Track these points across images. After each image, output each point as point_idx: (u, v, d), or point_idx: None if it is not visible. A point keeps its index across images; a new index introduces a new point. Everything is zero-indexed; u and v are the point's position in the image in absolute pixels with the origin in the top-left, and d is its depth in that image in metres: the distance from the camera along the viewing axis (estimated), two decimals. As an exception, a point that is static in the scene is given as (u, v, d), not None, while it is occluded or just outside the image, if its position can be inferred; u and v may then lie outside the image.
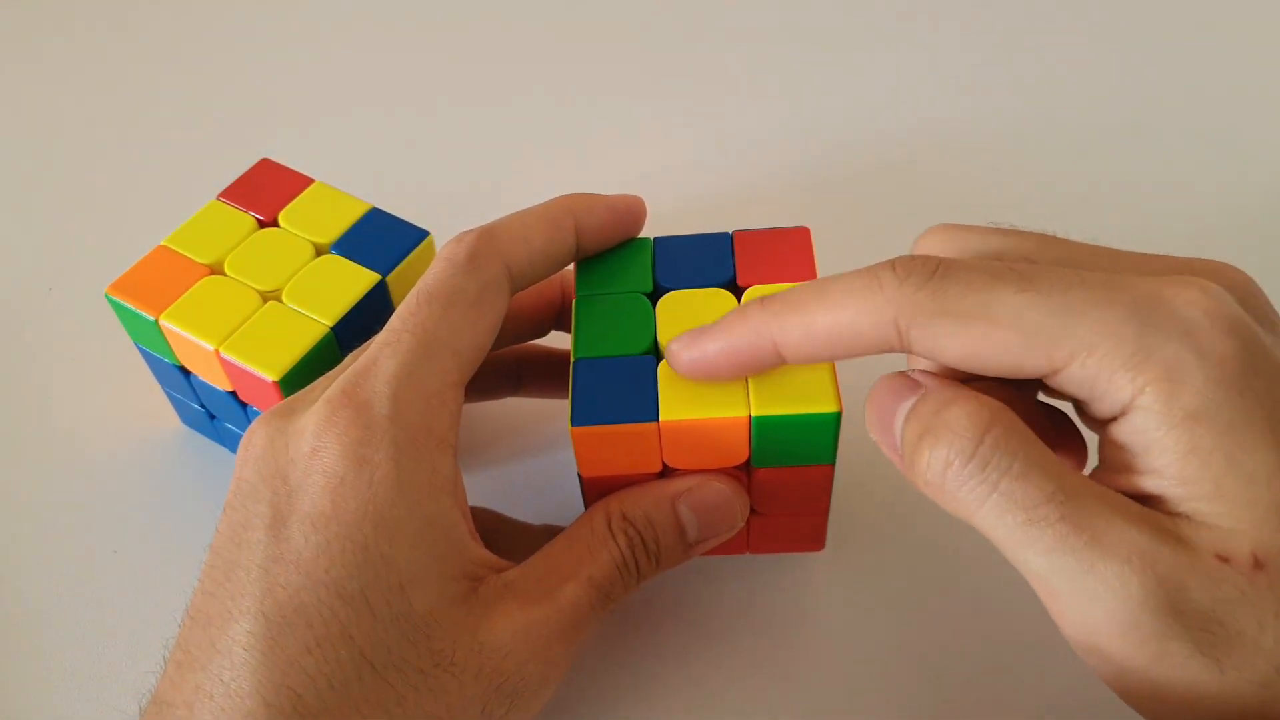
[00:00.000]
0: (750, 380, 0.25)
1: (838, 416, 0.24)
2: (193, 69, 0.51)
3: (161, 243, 0.31)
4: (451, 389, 0.24)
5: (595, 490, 0.27)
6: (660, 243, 0.29)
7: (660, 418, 0.25)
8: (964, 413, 0.21)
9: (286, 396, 0.28)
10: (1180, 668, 0.19)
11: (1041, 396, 0.24)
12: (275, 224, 0.31)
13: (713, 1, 0.54)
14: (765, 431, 0.25)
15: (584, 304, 0.28)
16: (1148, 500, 0.20)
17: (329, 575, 0.22)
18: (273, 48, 0.52)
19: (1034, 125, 0.47)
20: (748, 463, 0.26)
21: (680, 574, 0.32)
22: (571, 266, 0.29)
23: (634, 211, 0.29)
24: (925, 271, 0.21)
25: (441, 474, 0.24)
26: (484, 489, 0.34)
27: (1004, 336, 0.21)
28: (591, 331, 0.27)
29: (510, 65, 0.51)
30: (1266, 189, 0.45)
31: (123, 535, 0.33)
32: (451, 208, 0.42)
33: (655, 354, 0.26)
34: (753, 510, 0.28)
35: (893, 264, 0.22)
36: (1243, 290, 0.22)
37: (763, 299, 0.24)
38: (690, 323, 0.26)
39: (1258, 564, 0.19)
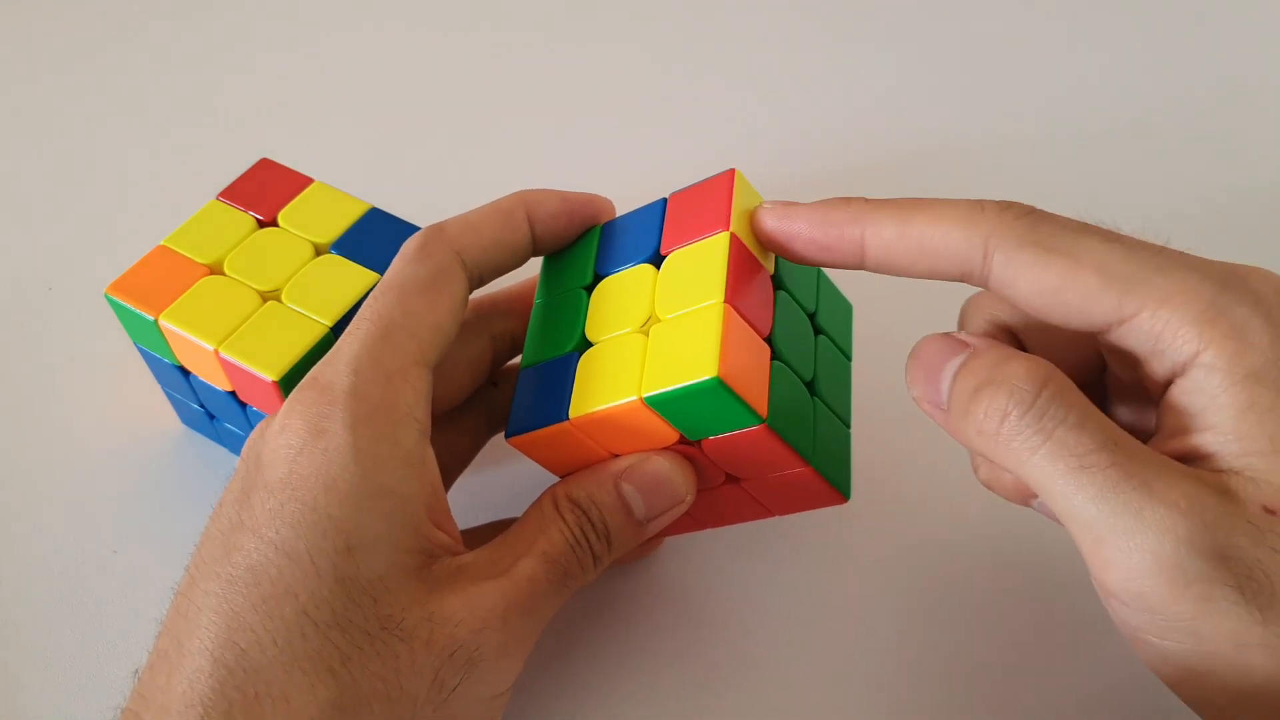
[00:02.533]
0: (646, 357, 0.24)
1: (716, 383, 0.22)
2: (193, 69, 0.51)
3: (161, 243, 0.31)
4: (413, 367, 0.25)
5: None
6: (605, 229, 0.29)
7: (569, 416, 0.25)
8: (1023, 367, 0.22)
9: (286, 396, 0.28)
10: (1223, 615, 0.19)
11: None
12: (275, 224, 0.31)
13: (713, 3, 0.54)
14: (666, 409, 0.24)
15: (537, 306, 0.28)
16: (1200, 458, 0.21)
17: (278, 535, 0.22)
18: (272, 48, 0.52)
19: (1036, 125, 0.47)
20: (685, 439, 0.25)
21: (680, 570, 0.32)
22: None
23: (591, 204, 0.29)
24: (1024, 208, 0.23)
25: (403, 447, 0.24)
26: (485, 490, 0.34)
27: (1084, 276, 0.22)
28: (536, 336, 0.27)
29: (510, 65, 0.51)
30: (1267, 189, 0.45)
31: (123, 535, 0.33)
32: (451, 208, 0.42)
33: (581, 349, 0.26)
34: (733, 478, 0.27)
35: (998, 201, 0.23)
36: None
37: (864, 198, 0.24)
38: (614, 308, 0.26)
39: None
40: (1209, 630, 0.20)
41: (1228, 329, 0.21)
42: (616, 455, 0.26)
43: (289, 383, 0.28)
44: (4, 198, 0.44)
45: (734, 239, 0.25)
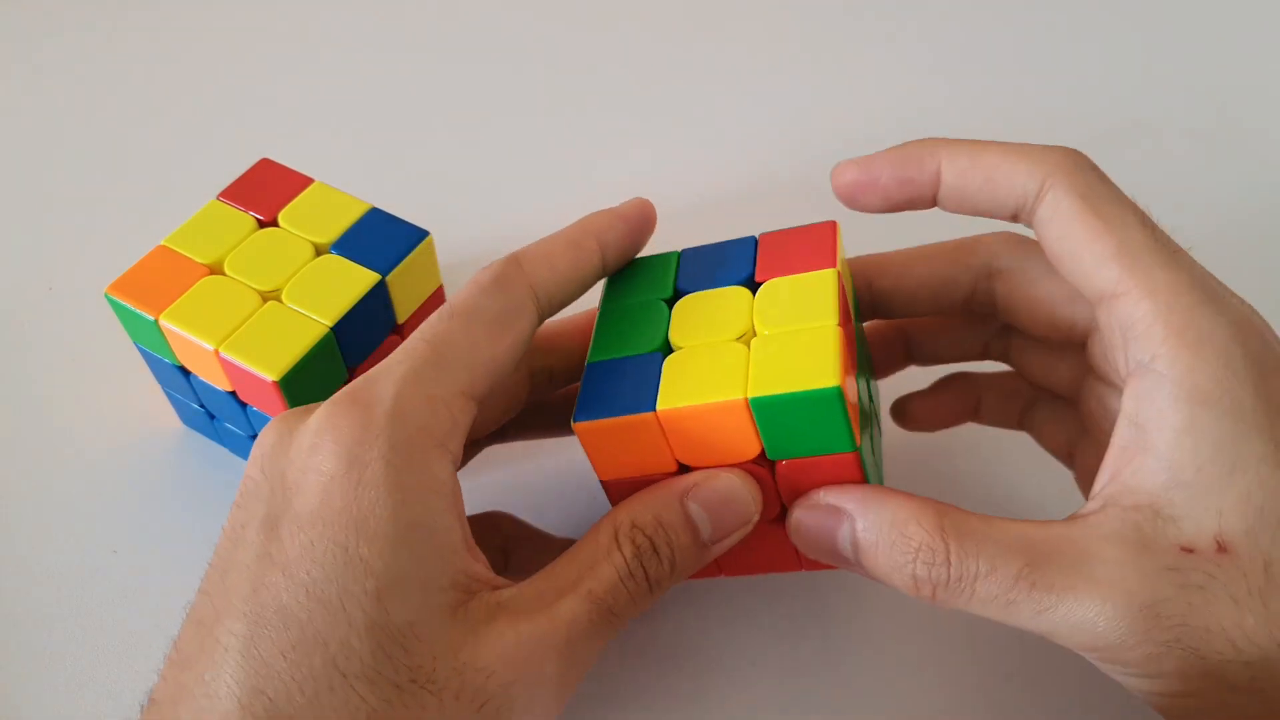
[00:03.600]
0: (751, 363, 0.24)
1: (837, 392, 0.23)
2: (193, 69, 0.51)
3: (161, 243, 0.31)
4: (459, 397, 0.24)
5: (617, 495, 0.26)
6: (686, 254, 0.29)
7: (657, 407, 0.24)
8: (924, 544, 0.23)
9: (286, 396, 0.28)
10: (1166, 661, 0.21)
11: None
12: (275, 224, 0.31)
13: (713, 2, 0.54)
14: (767, 415, 0.24)
15: (605, 312, 0.28)
16: (1130, 487, 0.22)
17: (309, 577, 0.21)
18: (272, 48, 0.52)
19: (1033, 125, 0.47)
20: (766, 457, 0.25)
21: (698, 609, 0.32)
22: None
23: (646, 217, 0.29)
24: (1088, 162, 0.24)
25: (436, 478, 0.23)
26: (507, 497, 0.34)
27: (1103, 241, 0.23)
28: (607, 336, 0.27)
29: (510, 65, 0.51)
30: (1263, 188, 0.44)
31: (123, 535, 0.33)
32: (451, 207, 0.42)
33: (665, 351, 0.26)
34: (786, 514, 0.26)
35: (1069, 148, 0.25)
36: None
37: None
38: (704, 319, 0.26)
39: (1221, 548, 0.21)
40: (1161, 673, 0.21)
41: (1192, 339, 0.21)
42: (679, 462, 0.26)
43: (289, 383, 0.28)
44: (4, 198, 0.44)
45: (840, 278, 0.26)
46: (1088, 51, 0.51)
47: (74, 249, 0.42)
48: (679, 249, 0.29)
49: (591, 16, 0.54)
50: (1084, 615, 0.21)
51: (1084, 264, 0.23)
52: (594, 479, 0.27)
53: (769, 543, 0.27)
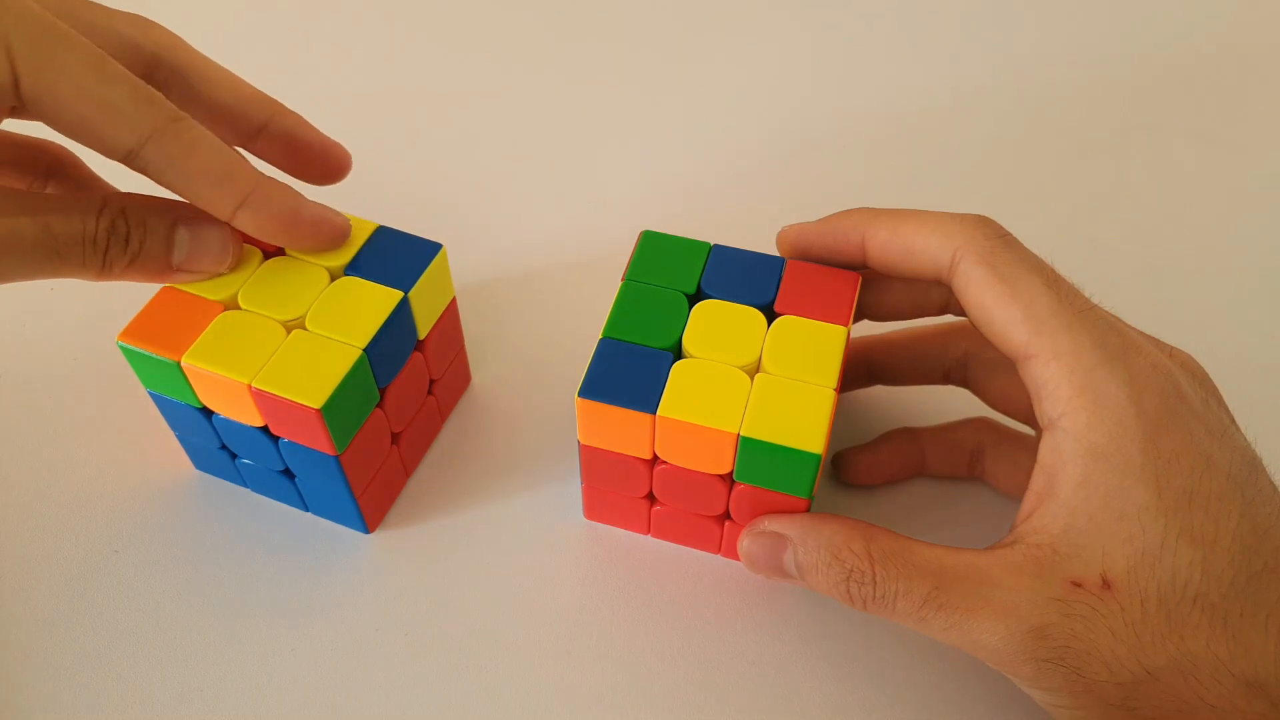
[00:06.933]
0: (751, 401, 0.26)
1: (818, 458, 0.25)
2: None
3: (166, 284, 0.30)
4: None
5: (589, 458, 0.29)
6: (716, 250, 0.30)
7: (658, 412, 0.26)
8: (856, 566, 0.26)
9: (329, 423, 0.28)
10: (1052, 677, 0.24)
11: None
12: (281, 252, 0.31)
13: (713, 3, 0.55)
14: (750, 451, 0.26)
15: (628, 288, 0.29)
16: (1036, 528, 0.25)
17: None
18: (265, 53, 0.50)
19: (1030, 124, 0.48)
20: (731, 474, 0.28)
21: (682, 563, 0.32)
22: None
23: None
24: (997, 230, 0.26)
25: None
26: (486, 482, 0.34)
27: (1011, 308, 0.25)
28: (625, 315, 0.29)
29: (509, 65, 0.50)
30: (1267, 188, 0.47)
31: (123, 535, 0.32)
32: (453, 211, 0.42)
33: (676, 353, 0.28)
34: (728, 517, 0.29)
35: (980, 216, 0.26)
36: (1201, 375, 0.27)
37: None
38: (718, 334, 0.28)
39: (1106, 584, 0.23)
40: (1051, 686, 0.24)
41: (1090, 400, 0.24)
42: (657, 456, 0.28)
43: (332, 409, 0.27)
44: None
45: (849, 337, 0.28)
46: (1086, 43, 0.52)
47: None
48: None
49: (591, 16, 0.53)
50: (982, 633, 0.24)
51: (997, 328, 0.26)
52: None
53: (701, 529, 0.31)
